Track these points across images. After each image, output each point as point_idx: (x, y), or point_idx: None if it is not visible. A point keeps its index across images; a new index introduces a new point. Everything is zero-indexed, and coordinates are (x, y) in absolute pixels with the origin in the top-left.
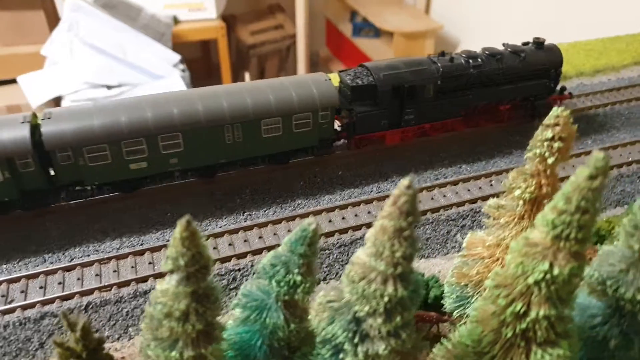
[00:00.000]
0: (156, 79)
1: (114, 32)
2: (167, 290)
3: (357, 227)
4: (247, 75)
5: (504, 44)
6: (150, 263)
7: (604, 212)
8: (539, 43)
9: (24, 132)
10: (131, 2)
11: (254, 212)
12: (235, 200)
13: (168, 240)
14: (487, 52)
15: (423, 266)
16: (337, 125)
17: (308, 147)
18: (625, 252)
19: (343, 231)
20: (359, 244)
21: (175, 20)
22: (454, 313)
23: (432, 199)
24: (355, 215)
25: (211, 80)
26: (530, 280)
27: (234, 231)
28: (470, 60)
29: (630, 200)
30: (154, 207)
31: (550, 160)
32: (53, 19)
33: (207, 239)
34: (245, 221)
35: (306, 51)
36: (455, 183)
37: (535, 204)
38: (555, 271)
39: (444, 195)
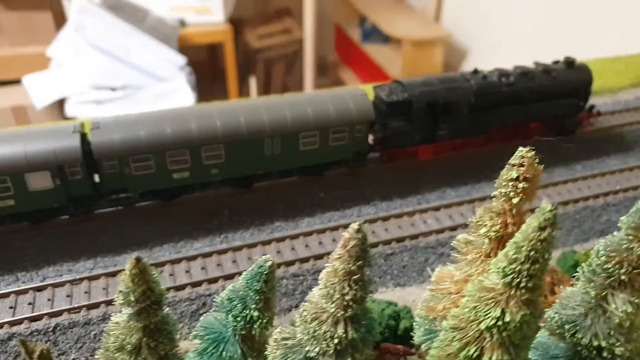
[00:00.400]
0: (161, 81)
1: (120, 34)
2: (119, 324)
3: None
4: (253, 80)
5: (535, 62)
6: None
7: (588, 242)
8: (569, 62)
9: (75, 141)
10: (138, 5)
11: (230, 234)
12: (212, 221)
13: None
14: (519, 71)
15: (398, 295)
16: (370, 139)
17: (342, 159)
18: (584, 296)
19: (319, 257)
20: None
21: (182, 23)
22: (422, 346)
23: (413, 225)
24: (333, 240)
25: (217, 83)
26: (483, 326)
27: (208, 254)
28: (503, 78)
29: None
30: (131, 227)
31: (515, 200)
32: (60, 20)
33: (179, 263)
34: (221, 243)
35: (314, 56)
36: (437, 209)
37: (501, 242)
38: (507, 318)
39: (425, 222)
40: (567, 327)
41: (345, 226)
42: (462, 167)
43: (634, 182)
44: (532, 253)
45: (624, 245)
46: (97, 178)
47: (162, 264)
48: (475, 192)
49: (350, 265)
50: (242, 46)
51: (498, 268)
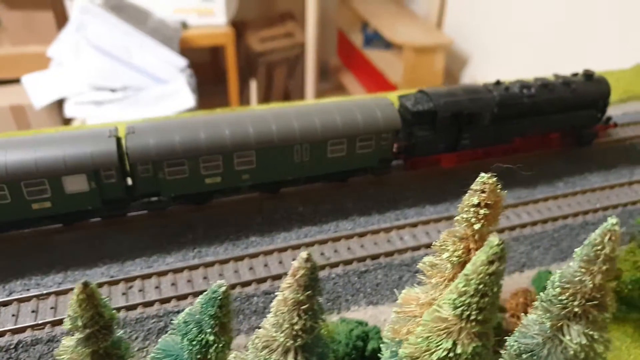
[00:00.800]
0: (162, 83)
1: (121, 35)
2: (68, 349)
3: None
4: (254, 83)
5: (554, 75)
6: None
7: (565, 261)
8: (588, 75)
9: (112, 145)
10: (140, 6)
11: (204, 249)
12: (187, 235)
13: (112, 277)
14: (539, 82)
15: (370, 313)
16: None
17: (368, 167)
18: (542, 325)
19: None
20: None
21: (184, 25)
22: None
23: (389, 241)
24: None
25: (219, 86)
26: (435, 357)
27: (179, 270)
28: (524, 90)
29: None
30: (105, 239)
31: (476, 227)
32: (62, 20)
33: (149, 278)
34: (194, 258)
35: (316, 60)
36: (414, 225)
37: (464, 268)
38: (459, 350)
39: (401, 238)
40: (524, 356)
41: (321, 242)
42: (444, 183)
43: (614, 200)
44: (480, 286)
45: (577, 278)
46: (130, 181)
47: (133, 278)
48: (454, 209)
49: (298, 295)
50: (244, 49)
51: (449, 300)
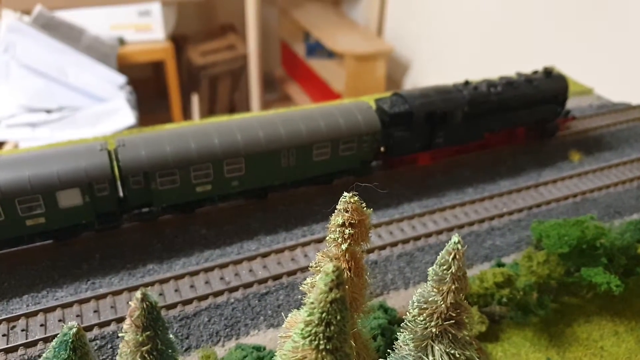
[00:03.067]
0: (100, 101)
1: (54, 53)
2: None
3: (204, 297)
4: (195, 97)
5: (517, 73)
6: None
7: (471, 268)
8: (547, 72)
9: (104, 159)
10: (73, 23)
11: (99, 280)
12: (82, 266)
13: None
14: (504, 81)
15: (270, 337)
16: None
17: (350, 168)
18: (409, 346)
19: (187, 302)
20: (203, 315)
21: (121, 42)
22: None
23: (293, 259)
24: (206, 283)
25: (161, 101)
26: None
27: (69, 305)
28: (492, 88)
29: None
30: None
31: (344, 247)
32: None
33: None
34: (86, 291)
35: (259, 71)
36: (320, 241)
37: None
38: None
39: (305, 255)
40: None
41: (222, 266)
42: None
43: (520, 203)
44: (324, 315)
45: (431, 298)
46: (121, 193)
47: (17, 317)
48: (380, 218)
49: (138, 336)
50: (185, 63)
51: (299, 329)
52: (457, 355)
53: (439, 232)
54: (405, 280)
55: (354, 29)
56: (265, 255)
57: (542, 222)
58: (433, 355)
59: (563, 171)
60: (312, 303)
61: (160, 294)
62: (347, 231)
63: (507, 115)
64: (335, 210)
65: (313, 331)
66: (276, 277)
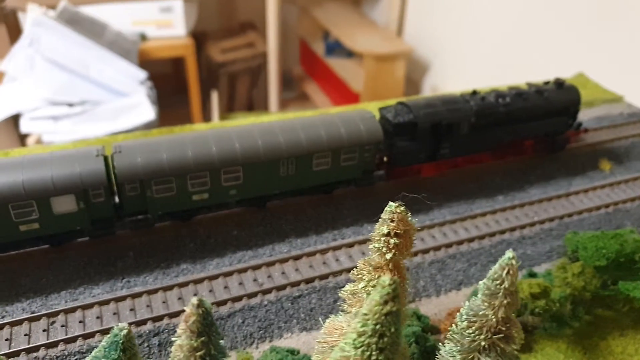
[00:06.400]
0: (121, 96)
1: (77, 48)
2: None
3: (238, 299)
4: (215, 94)
5: (527, 83)
6: (7, 339)
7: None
8: (559, 83)
9: (100, 165)
10: (96, 19)
11: (133, 279)
12: (117, 263)
13: (34, 312)
14: (514, 92)
15: (303, 340)
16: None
17: (352, 178)
18: (454, 358)
19: (221, 303)
20: (237, 316)
21: (143, 37)
22: None
23: (325, 263)
24: (239, 284)
25: (180, 97)
26: None
27: (106, 302)
28: (500, 99)
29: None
30: (26, 272)
31: (388, 256)
32: (15, 34)
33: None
34: (122, 289)
35: (278, 70)
36: (351, 245)
37: None
38: None
39: (337, 259)
40: None
41: (255, 267)
42: (382, 201)
43: (551, 213)
44: (378, 327)
45: (481, 312)
46: (117, 200)
47: (56, 313)
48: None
49: (192, 341)
50: (205, 60)
51: (351, 340)
52: None
53: (470, 240)
54: (437, 288)
55: (374, 28)
56: (297, 257)
57: (576, 233)
58: None
59: (594, 180)
60: (365, 314)
61: (195, 294)
62: (392, 241)
63: (515, 127)
64: (380, 220)
65: (366, 342)
66: (308, 281)
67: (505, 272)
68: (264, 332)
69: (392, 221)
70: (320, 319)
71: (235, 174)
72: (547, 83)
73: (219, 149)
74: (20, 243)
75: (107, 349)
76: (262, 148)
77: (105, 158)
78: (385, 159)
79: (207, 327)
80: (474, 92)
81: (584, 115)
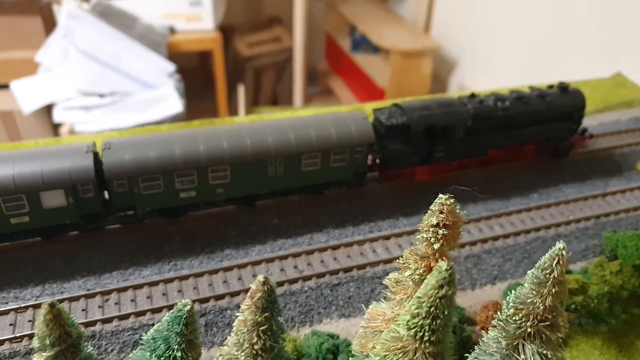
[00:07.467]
0: (150, 88)
1: (109, 40)
2: None
3: (280, 284)
4: (241, 88)
5: (530, 87)
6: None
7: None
8: (563, 87)
9: (89, 161)
10: (128, 12)
11: (179, 262)
12: (164, 247)
13: (89, 290)
14: (514, 95)
15: (342, 326)
16: (369, 159)
17: (342, 180)
18: (499, 344)
19: None
20: (279, 301)
21: (172, 30)
22: None
23: (362, 254)
24: (281, 270)
25: (207, 90)
26: None
27: (155, 283)
28: (499, 103)
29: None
30: (81, 252)
31: (436, 246)
32: (50, 26)
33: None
34: (169, 271)
35: (303, 65)
36: (387, 237)
37: None
38: None
39: (374, 251)
40: None
41: (295, 255)
42: (417, 195)
43: (587, 212)
44: (432, 309)
45: (529, 299)
46: (107, 196)
47: (109, 291)
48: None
49: (257, 316)
50: (231, 54)
51: (404, 321)
52: (549, 356)
53: (506, 236)
54: (472, 282)
55: (401, 24)
56: (335, 247)
57: (616, 232)
58: (524, 354)
59: (631, 182)
60: (420, 297)
61: (239, 279)
62: (440, 232)
63: (514, 132)
64: (429, 211)
65: (420, 323)
66: (347, 270)
67: (555, 262)
68: (304, 317)
69: (442, 212)
70: (363, 305)
71: (222, 173)
72: (551, 87)
73: (207, 147)
74: (11, 235)
75: (170, 323)
76: (250, 148)
77: (95, 154)
78: (377, 161)
79: (270, 303)
80: (473, 95)
81: (623, 116)
